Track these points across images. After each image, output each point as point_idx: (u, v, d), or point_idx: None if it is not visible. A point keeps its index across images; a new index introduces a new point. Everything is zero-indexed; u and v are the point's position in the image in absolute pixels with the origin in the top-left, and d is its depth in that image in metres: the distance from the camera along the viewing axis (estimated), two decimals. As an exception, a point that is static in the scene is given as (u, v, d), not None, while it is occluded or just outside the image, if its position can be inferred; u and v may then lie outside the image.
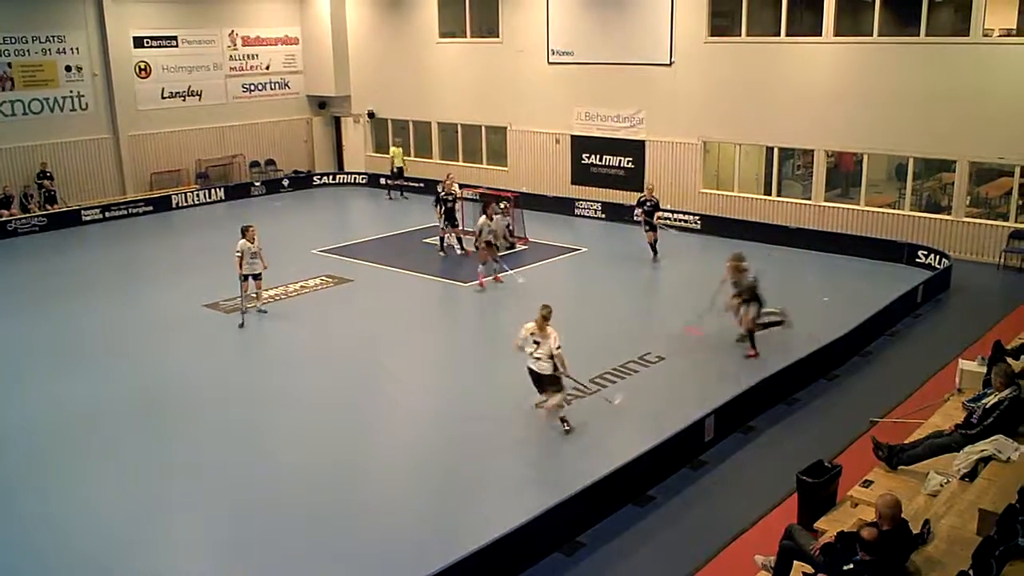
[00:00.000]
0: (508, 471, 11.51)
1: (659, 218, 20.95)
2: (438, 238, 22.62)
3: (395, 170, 30.70)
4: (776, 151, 23.83)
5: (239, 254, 17.25)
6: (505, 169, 29.45)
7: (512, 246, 22.49)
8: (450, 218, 22.05)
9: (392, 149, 31.27)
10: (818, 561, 7.60)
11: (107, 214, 27.80)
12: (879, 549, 7.07)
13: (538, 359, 12.04)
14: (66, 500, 10.89)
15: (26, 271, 22.20)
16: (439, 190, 22.62)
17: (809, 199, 23.29)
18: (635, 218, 21.76)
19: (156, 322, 17.46)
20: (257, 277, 17.45)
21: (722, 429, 11.85)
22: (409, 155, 32.12)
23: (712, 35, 24.31)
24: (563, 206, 26.84)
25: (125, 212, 28.16)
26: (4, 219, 26.05)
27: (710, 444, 11.65)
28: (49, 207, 27.34)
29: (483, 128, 30.22)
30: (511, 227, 22.71)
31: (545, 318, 12.10)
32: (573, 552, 9.44)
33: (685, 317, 17.15)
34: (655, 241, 21.25)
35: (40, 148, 27.73)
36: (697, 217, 24.25)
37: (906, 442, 10.07)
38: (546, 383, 12.22)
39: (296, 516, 10.34)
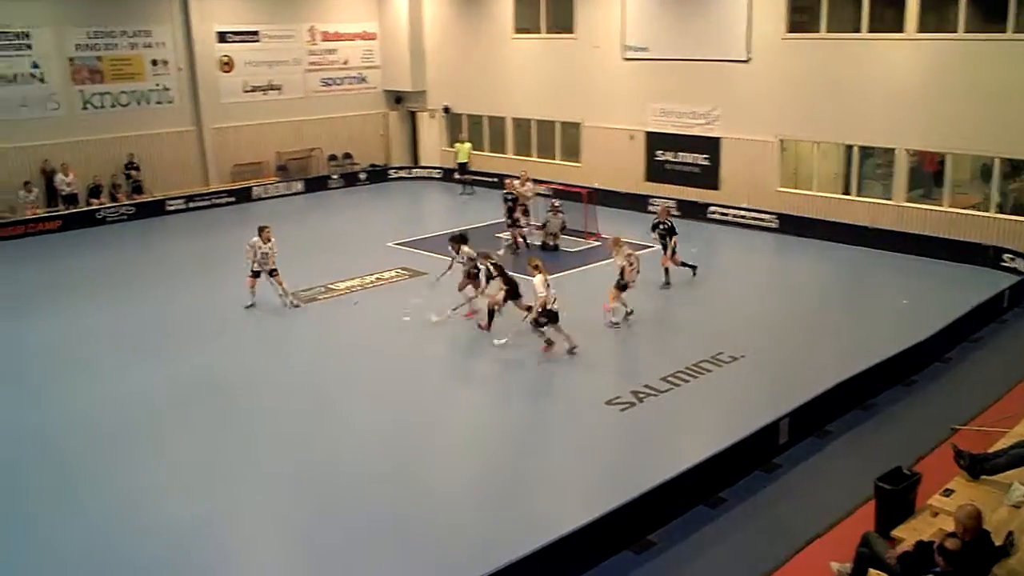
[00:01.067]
0: (579, 469, 11.49)
1: (675, 243, 19.20)
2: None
3: (459, 165, 30.97)
4: (856, 150, 23.29)
5: (249, 248, 17.79)
6: (578, 165, 29.37)
7: (556, 247, 22.45)
8: (509, 217, 22.05)
9: (457, 145, 31.54)
10: (895, 570, 7.45)
11: (190, 204, 28.54)
12: (959, 560, 6.90)
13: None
14: (144, 479, 11.21)
15: (113, 258, 22.85)
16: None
17: (890, 199, 22.72)
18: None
19: (232, 311, 17.81)
20: (272, 273, 17.86)
21: (797, 432, 11.66)
22: (483, 151, 32.30)
23: (791, 31, 23.86)
24: (636, 203, 26.65)
25: (208, 203, 28.89)
26: (93, 207, 26.92)
27: (784, 447, 11.47)
28: (136, 196, 28.16)
29: (557, 124, 30.18)
30: (565, 225, 22.67)
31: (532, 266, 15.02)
32: (643, 550, 9.39)
33: (760, 317, 16.96)
34: (668, 268, 19.50)
35: (127, 139, 28.54)
36: (774, 216, 23.87)
37: (989, 451, 9.78)
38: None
39: (361, 506, 10.48)
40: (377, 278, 19.86)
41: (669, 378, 13.84)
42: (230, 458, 11.80)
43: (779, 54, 24.06)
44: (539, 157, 30.80)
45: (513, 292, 15.89)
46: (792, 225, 23.44)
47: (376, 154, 34.72)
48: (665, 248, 19.19)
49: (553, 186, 26.11)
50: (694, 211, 25.31)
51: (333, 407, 13.42)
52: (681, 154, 26.76)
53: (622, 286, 16.78)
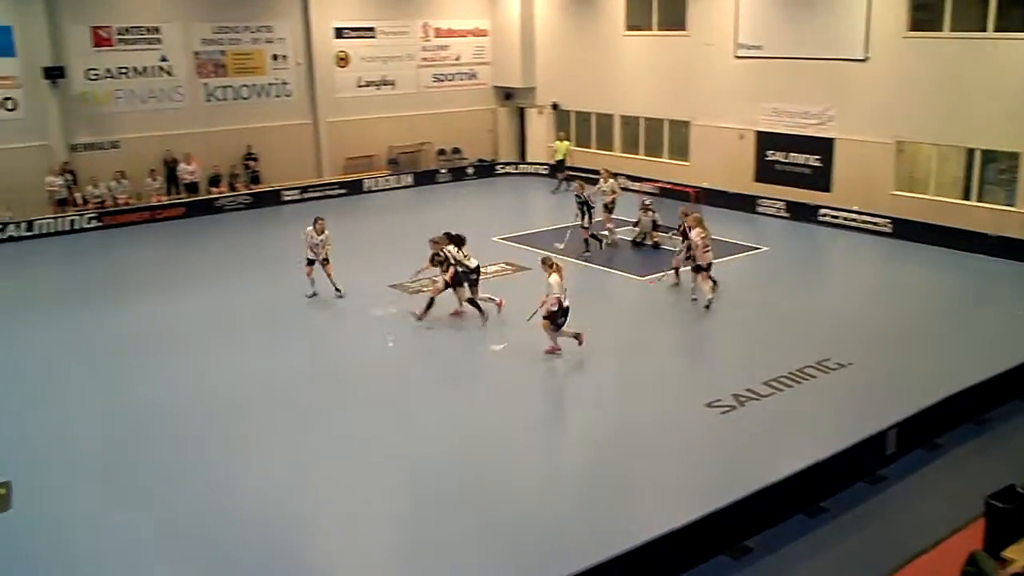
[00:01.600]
0: (677, 471, 11.39)
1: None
2: (604, 231, 22.63)
3: (556, 163, 31.00)
4: (978, 153, 22.35)
5: (305, 237, 18.30)
6: (686, 164, 29.02)
7: (657, 245, 22.18)
8: (583, 218, 21.83)
9: (556, 143, 31.57)
10: (1004, 592, 7.17)
11: (304, 195, 29.34)
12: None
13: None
14: (240, 466, 11.60)
15: (230, 245, 23.66)
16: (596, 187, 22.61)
17: (1013, 205, 21.73)
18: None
19: (343, 300, 18.25)
20: (324, 263, 18.30)
21: (905, 444, 11.28)
22: (590, 148, 32.25)
23: (912, 29, 23.03)
24: (745, 203, 26.19)
25: (320, 194, 29.64)
26: (213, 196, 27.96)
27: (891, 459, 11.12)
28: (253, 186, 29.13)
29: (665, 122, 29.87)
30: (656, 223, 22.40)
31: (547, 264, 14.79)
32: (740, 556, 9.26)
33: (870, 324, 16.49)
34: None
35: (247, 131, 29.52)
36: (887, 220, 23.11)
37: (1111, 473, 9.31)
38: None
39: (457, 502, 10.61)
40: (483, 271, 20.01)
41: (772, 382, 13.57)
42: (324, 446, 12.10)
43: (899, 53, 23.25)
44: (647, 155, 30.56)
45: (453, 282, 16.65)
46: (906, 230, 22.64)
47: (484, 149, 35.01)
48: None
49: (659, 184, 25.86)
50: (804, 213, 24.71)
51: (427, 400, 13.61)
52: (792, 154, 26.17)
53: (698, 267, 17.35)
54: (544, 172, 32.83)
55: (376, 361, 15.10)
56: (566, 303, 14.48)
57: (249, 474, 11.28)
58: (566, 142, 31.50)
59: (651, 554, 8.65)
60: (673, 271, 18.93)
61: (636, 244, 22.43)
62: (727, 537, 9.37)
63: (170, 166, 27.83)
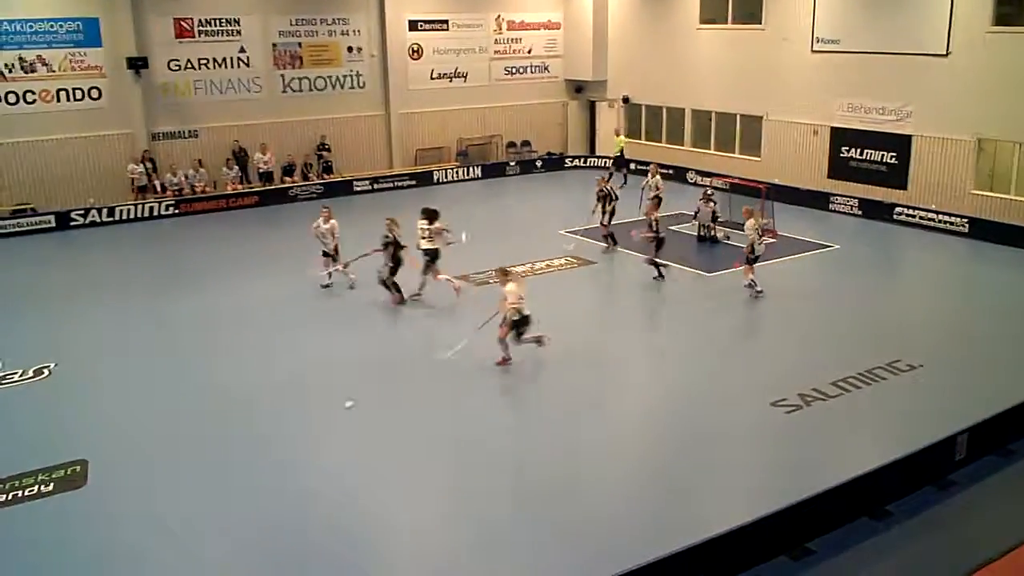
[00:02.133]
0: (739, 469, 11.26)
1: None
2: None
3: (614, 158, 30.81)
4: (1064, 152, 21.60)
5: (314, 229, 18.52)
6: (758, 159, 28.58)
7: (714, 239, 21.90)
8: (603, 212, 21.54)
9: (615, 138, 31.41)
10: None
11: (375, 186, 29.66)
12: None
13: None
14: (308, 451, 11.80)
15: (301, 234, 23.87)
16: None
17: (1100, 207, 20.97)
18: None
19: (409, 287, 18.42)
20: (335, 254, 18.43)
21: (976, 449, 10.98)
22: (660, 142, 32.01)
23: (996, 24, 22.31)
24: (817, 200, 25.70)
25: (391, 185, 29.93)
26: (287, 185, 28.43)
27: (961, 464, 10.83)
28: (326, 176, 29.55)
29: (738, 117, 29.44)
30: (716, 214, 22.07)
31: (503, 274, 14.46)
32: (800, 557, 9.11)
33: (944, 326, 16.08)
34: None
35: (321, 122, 29.95)
36: (965, 220, 22.44)
37: None
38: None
39: (519, 491, 10.64)
40: (547, 264, 20.03)
41: (840, 383, 13.31)
42: (393, 432, 12.24)
43: (982, 48, 22.53)
44: (717, 151, 30.19)
45: (396, 266, 17.37)
46: (985, 230, 21.95)
47: (554, 142, 34.96)
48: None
49: (729, 180, 25.50)
50: (879, 211, 24.15)
51: (489, 390, 13.67)
52: (867, 151, 25.59)
53: (753, 260, 17.38)
54: (627, 166, 32.60)
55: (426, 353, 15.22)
56: (526, 312, 13.94)
57: (318, 459, 11.48)
58: (623, 136, 31.41)
59: (712, 552, 8.57)
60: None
61: (701, 238, 22.16)
62: (789, 538, 9.23)
63: (240, 156, 28.37)
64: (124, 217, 25.91)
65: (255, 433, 12.17)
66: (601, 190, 21.67)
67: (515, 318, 13.88)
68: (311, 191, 28.46)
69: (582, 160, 33.93)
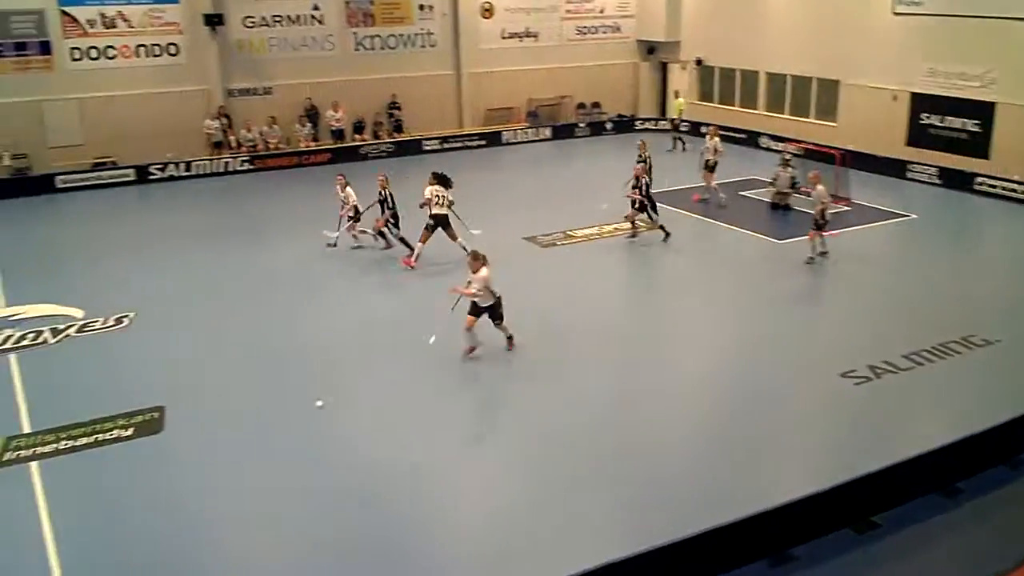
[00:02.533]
0: (806, 439, 11.13)
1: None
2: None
3: (671, 121, 30.32)
4: None
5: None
6: (833, 125, 27.86)
7: (787, 207, 21.39)
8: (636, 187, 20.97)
9: (675, 101, 30.88)
10: None
11: (445, 145, 29.70)
12: None
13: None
14: (371, 404, 11.99)
15: (372, 191, 24.13)
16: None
17: None
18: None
19: (482, 250, 18.43)
20: (349, 219, 18.54)
21: (1052, 429, 10.69)
22: (733, 105, 31.43)
23: (1092, -13, 21.35)
24: (894, 168, 25.00)
25: (460, 144, 29.96)
26: (357, 143, 28.64)
27: (1035, 443, 10.56)
28: (396, 135, 29.68)
29: (814, 80, 28.69)
30: (795, 181, 21.54)
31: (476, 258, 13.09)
32: (865, 531, 9.01)
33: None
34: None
35: (392, 80, 30.00)
36: (1049, 191, 21.68)
37: None
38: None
39: (583, 455, 10.67)
40: (615, 228, 19.88)
41: (912, 356, 13.02)
42: (456, 395, 12.36)
43: (1075, 12, 21.59)
44: (792, 115, 29.51)
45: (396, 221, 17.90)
46: (1071, 202, 21.19)
47: (624, 104, 34.53)
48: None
49: (803, 145, 24.96)
50: (959, 181, 23.41)
51: (563, 350, 13.68)
52: (948, 118, 24.74)
53: (820, 226, 17.16)
54: (684, 129, 32.12)
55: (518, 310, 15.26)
56: (498, 294, 13.15)
57: (381, 417, 11.66)
58: (681, 99, 30.89)
59: (775, 522, 8.52)
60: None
61: (774, 205, 21.69)
62: (854, 511, 9.12)
63: (312, 113, 28.60)
64: (200, 172, 26.43)
65: (324, 385, 12.37)
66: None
67: (490, 303, 13.11)
68: (381, 149, 28.64)
69: (652, 123, 33.50)
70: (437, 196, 17.25)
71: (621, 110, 34.14)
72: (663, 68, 34.58)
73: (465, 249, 16.32)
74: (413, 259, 17.35)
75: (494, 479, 10.23)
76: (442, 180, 17.44)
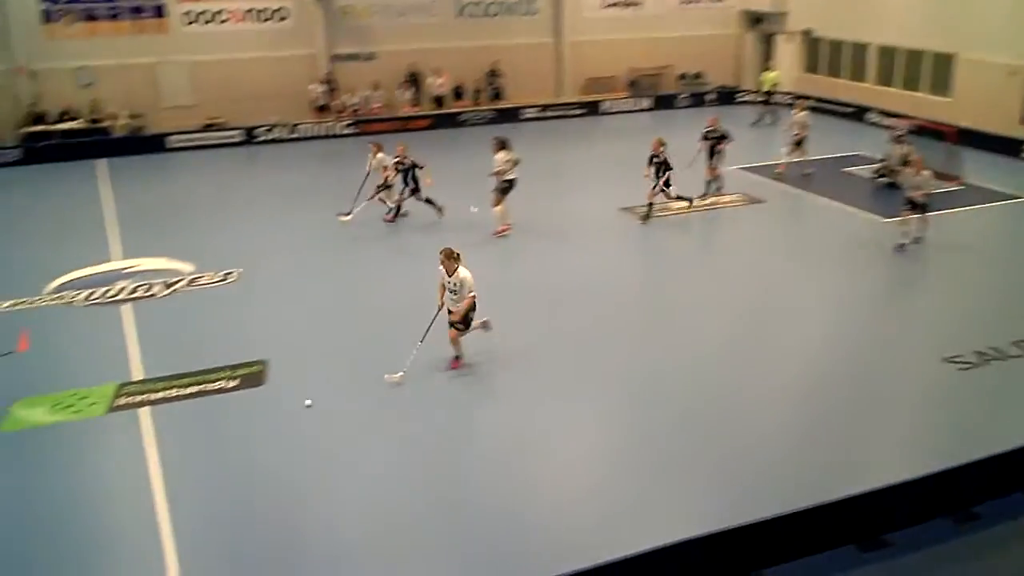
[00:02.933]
0: (904, 424, 10.77)
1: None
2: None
3: (764, 94, 29.45)
4: None
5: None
6: (947, 100, 26.73)
7: (894, 184, 20.36)
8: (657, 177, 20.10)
9: (764, 73, 29.99)
10: None
11: (544, 113, 29.57)
12: None
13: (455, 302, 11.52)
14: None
15: (470, 155, 24.21)
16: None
17: None
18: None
19: (578, 220, 18.42)
20: (378, 187, 18.51)
21: None
22: (840, 78, 30.44)
23: None
24: (1010, 147, 23.86)
25: (559, 113, 29.80)
26: (457, 110, 28.75)
27: None
28: (495, 102, 29.68)
29: (927, 54, 27.52)
30: (908, 158, 20.53)
31: (449, 257, 11.35)
32: (965, 521, 8.71)
33: None
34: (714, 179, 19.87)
35: (492, 48, 30.00)
36: None
37: None
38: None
39: (679, 429, 10.58)
40: (714, 201, 19.54)
41: (1022, 343, 12.48)
42: (567, 359, 12.36)
43: None
44: (903, 88, 28.40)
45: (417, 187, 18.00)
46: None
47: (727, 75, 33.79)
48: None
49: (915, 122, 24.01)
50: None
51: (662, 322, 13.56)
52: (1070, 96, 23.50)
53: (917, 207, 16.33)
54: (788, 103, 31.28)
55: (617, 278, 15.18)
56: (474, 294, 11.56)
57: (490, 379, 11.77)
58: (775, 72, 29.88)
59: (868, 506, 8.32)
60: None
61: (880, 176, 20.89)
62: (952, 501, 8.83)
63: (414, 79, 28.81)
64: (305, 135, 26.95)
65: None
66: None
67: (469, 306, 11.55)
68: (481, 116, 28.69)
69: (756, 95, 32.65)
70: (507, 163, 17.22)
71: (723, 81, 33.42)
72: (768, 40, 33.66)
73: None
74: (502, 227, 17.40)
75: (586, 451, 10.26)
76: (506, 144, 17.44)
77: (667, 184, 18.08)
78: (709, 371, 11.98)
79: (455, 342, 11.78)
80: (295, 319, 13.74)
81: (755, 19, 33.36)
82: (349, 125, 27.44)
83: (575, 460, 10.00)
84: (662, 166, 18.09)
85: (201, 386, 11.52)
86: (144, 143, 25.83)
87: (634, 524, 8.64)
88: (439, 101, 28.89)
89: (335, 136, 27.21)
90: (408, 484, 9.34)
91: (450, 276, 11.35)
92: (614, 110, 30.66)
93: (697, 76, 33.15)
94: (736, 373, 11.91)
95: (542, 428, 10.50)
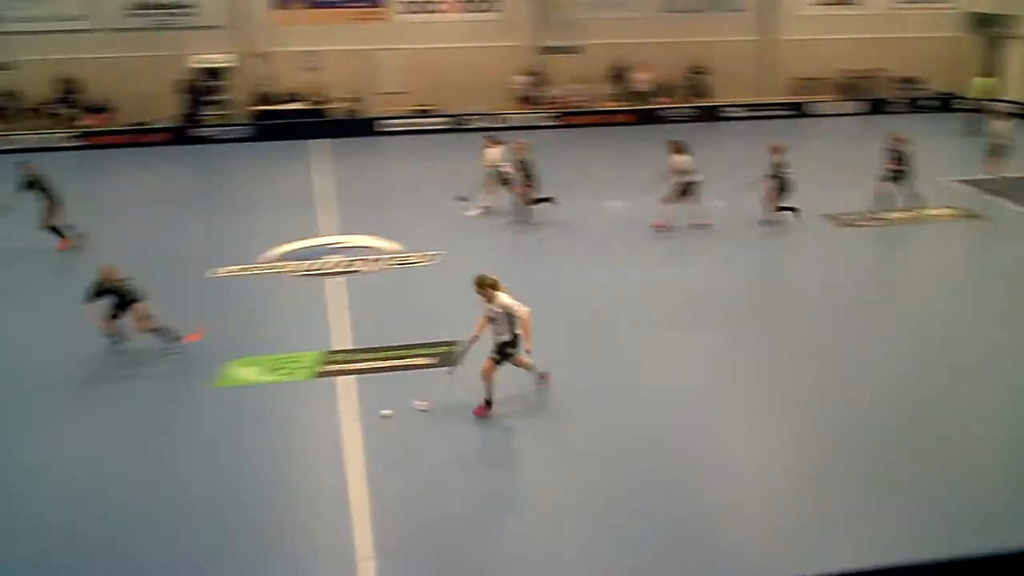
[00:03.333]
0: None
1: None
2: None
3: (974, 101, 27.00)
4: None
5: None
6: None
7: None
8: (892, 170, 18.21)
9: (976, 79, 27.39)
10: None
11: (748, 113, 28.63)
12: None
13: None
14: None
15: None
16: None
17: None
18: None
19: (776, 224, 17.68)
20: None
21: None
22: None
23: None
24: None
25: (765, 114, 28.77)
26: (659, 106, 28.30)
27: None
28: (697, 100, 28.99)
29: None
30: None
31: (481, 285, 10.10)
32: None
33: None
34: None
35: (696, 45, 29.28)
36: None
37: None
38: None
39: (867, 441, 9.89)
40: (933, 215, 18.18)
41: None
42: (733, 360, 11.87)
43: None
44: None
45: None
46: None
47: (945, 81, 31.53)
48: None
49: None
50: None
51: (849, 333, 12.76)
52: None
53: None
54: (1018, 112, 28.83)
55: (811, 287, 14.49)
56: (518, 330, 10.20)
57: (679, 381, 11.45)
58: (990, 78, 27.39)
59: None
60: None
61: None
62: None
63: (616, 73, 28.55)
64: (508, 125, 27.26)
65: (613, 345, 12.33)
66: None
67: (506, 337, 10.20)
68: (683, 113, 28.12)
69: (974, 102, 30.33)
70: (686, 167, 16.71)
71: (942, 87, 31.24)
72: (996, 44, 31.15)
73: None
74: (661, 223, 17.02)
75: (761, 457, 9.75)
76: (683, 148, 16.89)
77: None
78: (917, 393, 11.13)
79: (487, 378, 10.15)
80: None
81: (981, 21, 30.96)
82: (552, 117, 27.54)
83: (772, 477, 9.52)
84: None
85: (400, 360, 11.77)
86: (358, 126, 26.95)
87: (827, 543, 8.12)
88: (640, 96, 28.53)
89: (537, 127, 27.37)
90: (603, 481, 9.13)
91: (490, 303, 10.15)
92: (823, 113, 29.28)
93: (912, 81, 31.15)
94: (948, 398, 10.99)
95: (729, 448, 10.08)
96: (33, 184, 16.57)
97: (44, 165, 17.36)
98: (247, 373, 11.48)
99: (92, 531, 8.25)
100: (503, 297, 10.01)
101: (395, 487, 8.91)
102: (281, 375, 11.40)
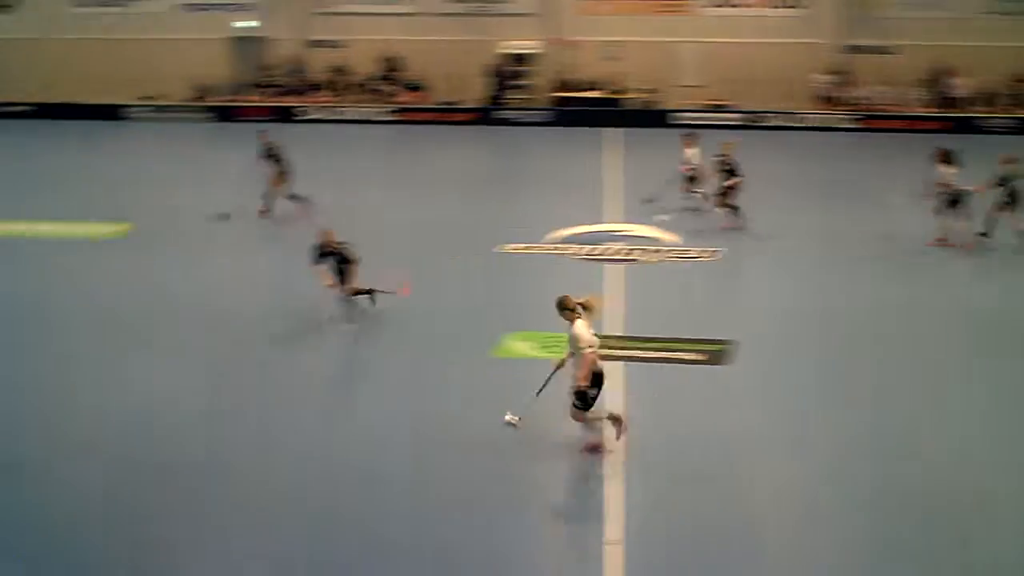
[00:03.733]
0: None
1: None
2: None
3: None
4: None
5: None
6: None
7: None
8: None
9: None
10: None
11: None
12: None
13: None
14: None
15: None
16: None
17: None
18: None
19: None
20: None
21: None
22: None
23: None
24: None
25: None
26: (975, 115, 25.75)
27: None
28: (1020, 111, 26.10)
29: None
30: None
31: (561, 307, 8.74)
32: None
33: None
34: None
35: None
36: None
37: None
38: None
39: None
40: None
41: None
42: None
43: None
44: None
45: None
46: None
47: None
48: None
49: None
50: None
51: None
52: None
53: None
54: None
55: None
56: (599, 365, 8.81)
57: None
58: None
59: None
60: None
61: None
62: None
63: (934, 77, 26.30)
64: (804, 124, 26.06)
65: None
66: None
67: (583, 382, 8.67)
68: (1004, 124, 25.36)
69: None
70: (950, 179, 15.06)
71: None
72: None
73: None
74: (941, 237, 15.47)
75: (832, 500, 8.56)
76: (951, 158, 15.15)
77: None
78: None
79: (579, 420, 8.90)
80: (770, 308, 13.24)
81: None
82: (852, 119, 25.98)
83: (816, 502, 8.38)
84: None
85: (668, 353, 11.65)
86: (650, 117, 26.88)
87: None
88: (954, 103, 26.12)
89: (834, 129, 25.92)
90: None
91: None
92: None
93: None
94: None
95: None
96: (270, 152, 17.04)
97: (361, 136, 18.78)
98: (522, 347, 11.86)
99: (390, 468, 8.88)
100: (577, 325, 8.65)
101: (651, 480, 8.81)
102: (552, 352, 11.65)
